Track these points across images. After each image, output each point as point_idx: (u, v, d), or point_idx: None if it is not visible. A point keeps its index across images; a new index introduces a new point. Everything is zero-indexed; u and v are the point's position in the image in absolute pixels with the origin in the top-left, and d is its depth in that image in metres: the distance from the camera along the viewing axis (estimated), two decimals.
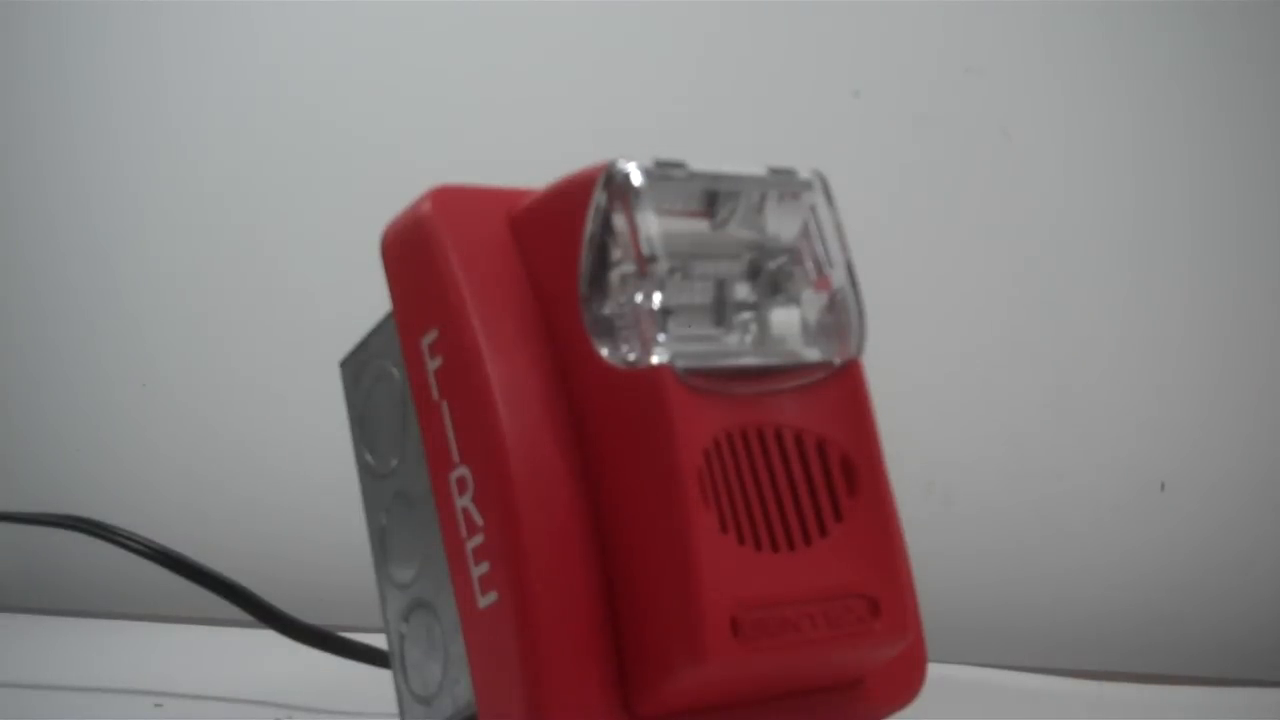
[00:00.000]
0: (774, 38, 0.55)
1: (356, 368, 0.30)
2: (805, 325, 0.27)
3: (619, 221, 0.26)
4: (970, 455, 0.52)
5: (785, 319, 0.27)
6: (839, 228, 0.27)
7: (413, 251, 0.27)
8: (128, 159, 0.68)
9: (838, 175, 0.28)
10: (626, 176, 0.26)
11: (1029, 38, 0.52)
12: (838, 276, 0.27)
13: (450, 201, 0.28)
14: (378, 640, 0.34)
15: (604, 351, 0.26)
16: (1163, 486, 0.50)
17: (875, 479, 0.27)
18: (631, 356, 0.25)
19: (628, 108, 0.57)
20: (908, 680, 0.29)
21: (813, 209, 0.27)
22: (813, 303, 0.27)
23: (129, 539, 0.43)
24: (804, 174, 0.27)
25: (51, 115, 0.70)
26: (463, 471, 0.26)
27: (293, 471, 0.63)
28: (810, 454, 0.26)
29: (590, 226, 0.26)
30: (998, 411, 0.52)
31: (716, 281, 0.27)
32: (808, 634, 0.25)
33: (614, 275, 0.26)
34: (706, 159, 0.27)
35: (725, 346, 0.27)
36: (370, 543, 0.30)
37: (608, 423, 0.26)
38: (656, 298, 0.25)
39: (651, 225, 0.26)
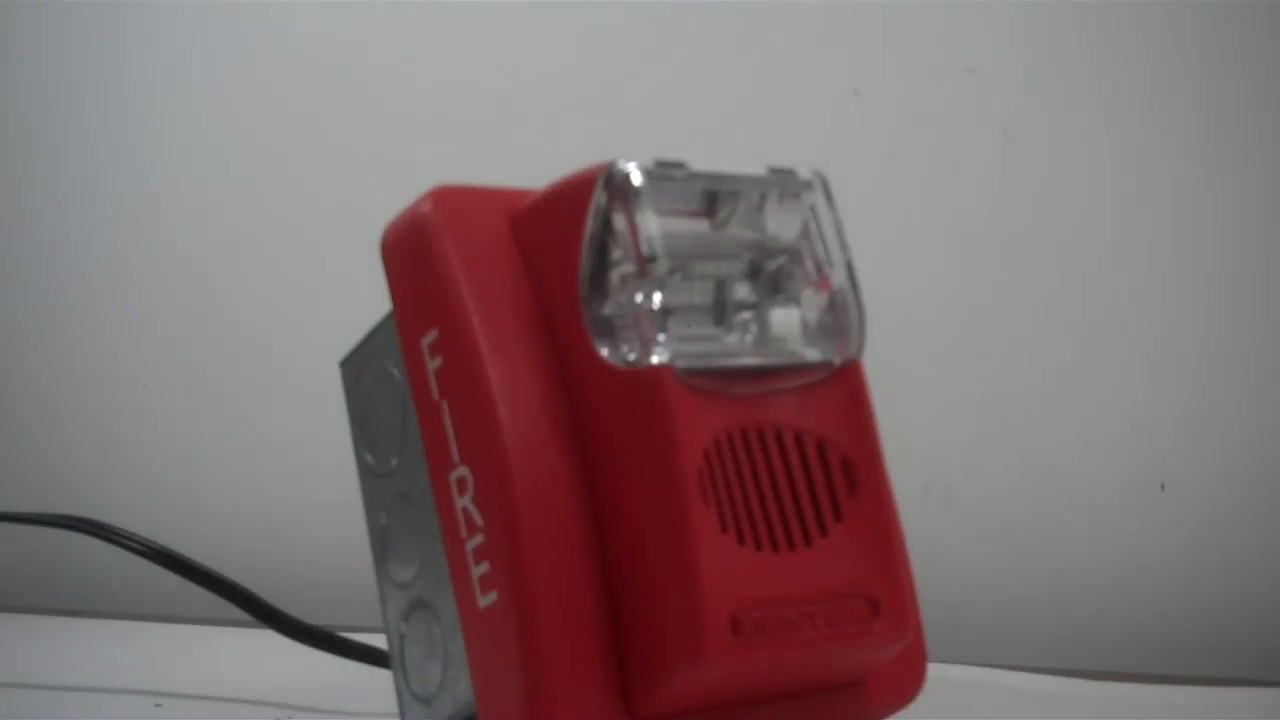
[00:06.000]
0: (774, 37, 0.55)
1: (356, 368, 0.30)
2: (805, 325, 0.27)
3: (619, 221, 0.26)
4: (970, 455, 0.52)
5: (785, 319, 0.27)
6: (839, 228, 0.27)
7: (412, 251, 0.27)
8: (129, 158, 0.68)
9: (838, 175, 0.28)
10: (626, 176, 0.26)
11: (1029, 38, 0.52)
12: (838, 276, 0.27)
13: (450, 201, 0.28)
14: (378, 640, 0.34)
15: (604, 351, 0.26)
16: (1163, 486, 0.50)
17: (875, 479, 0.27)
18: (631, 356, 0.25)
19: (628, 107, 0.57)
20: (908, 680, 0.29)
21: (813, 209, 0.27)
22: (813, 303, 0.27)
23: (129, 539, 0.43)
24: (804, 174, 0.27)
25: (54, 114, 0.69)
26: (463, 471, 0.26)
27: (293, 472, 0.63)
28: (810, 454, 0.26)
29: (590, 226, 0.26)
30: (997, 411, 0.52)
31: (716, 281, 0.27)
32: (808, 634, 0.25)
33: (614, 275, 0.26)
34: (706, 159, 0.27)
35: (725, 346, 0.27)
36: (370, 543, 0.30)
37: (608, 423, 0.26)
38: (656, 298, 0.25)
39: (651, 225, 0.26)
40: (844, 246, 0.27)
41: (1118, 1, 0.51)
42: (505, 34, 0.60)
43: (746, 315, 0.27)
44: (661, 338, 0.25)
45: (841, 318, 0.27)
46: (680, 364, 0.25)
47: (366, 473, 0.30)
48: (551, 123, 0.58)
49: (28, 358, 0.70)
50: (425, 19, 0.61)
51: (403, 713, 0.29)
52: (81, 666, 0.48)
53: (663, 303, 0.25)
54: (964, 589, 0.51)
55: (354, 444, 0.30)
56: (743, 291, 0.27)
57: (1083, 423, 0.51)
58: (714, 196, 0.27)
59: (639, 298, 0.25)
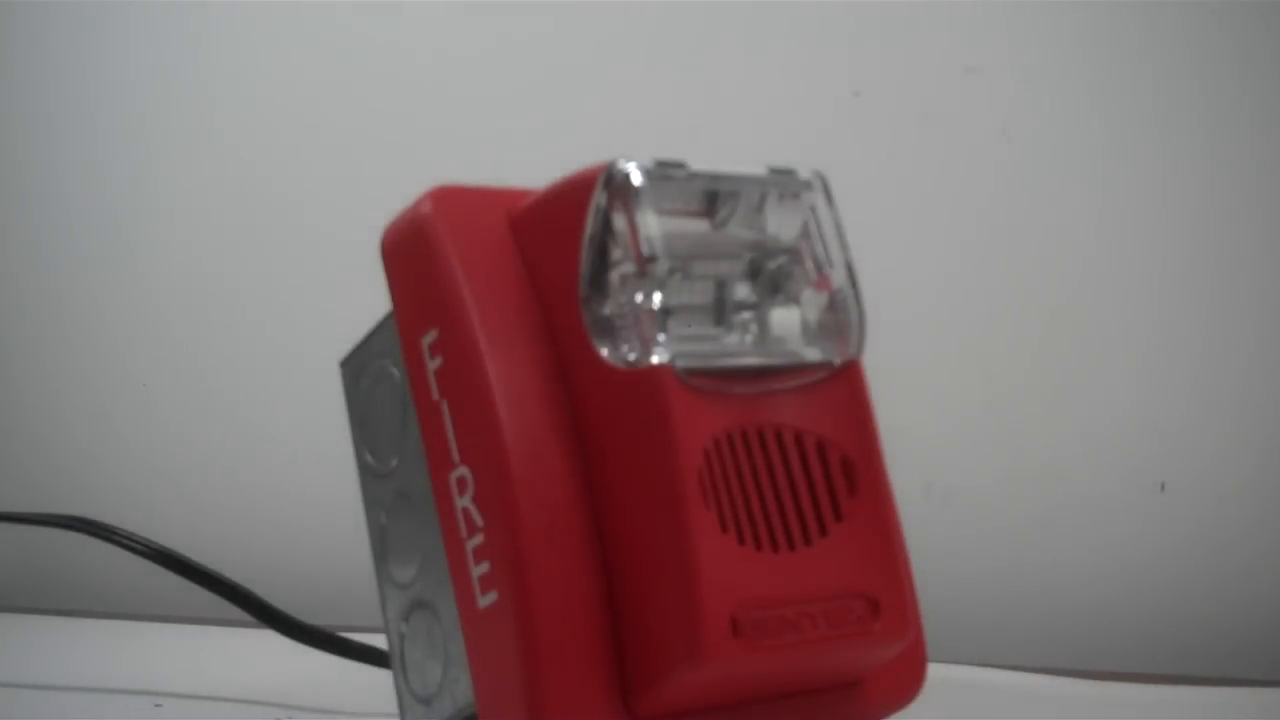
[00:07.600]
0: (774, 38, 0.55)
1: (356, 368, 0.30)
2: (805, 325, 0.27)
3: (619, 221, 0.26)
4: (970, 455, 0.52)
5: (785, 319, 0.27)
6: (839, 228, 0.27)
7: (413, 251, 0.27)
8: (128, 159, 0.68)
9: (838, 175, 0.28)
10: (626, 176, 0.26)
11: (1029, 38, 0.52)
12: (838, 276, 0.27)
13: (450, 201, 0.28)
14: (378, 640, 0.34)
15: (604, 351, 0.26)
16: (1163, 486, 0.50)
17: (875, 479, 0.27)
18: (631, 356, 0.25)
19: (628, 108, 0.57)
20: (908, 680, 0.29)
21: (813, 209, 0.27)
22: (813, 303, 0.27)
23: (129, 539, 0.43)
24: (804, 174, 0.27)
25: (53, 117, 0.69)
26: (463, 471, 0.26)
27: (293, 472, 0.63)
28: (810, 454, 0.26)
29: (590, 226, 0.26)
30: (997, 411, 0.52)
31: (716, 281, 0.27)
32: (808, 634, 0.25)
33: (614, 275, 0.26)
34: (706, 159, 0.27)
35: (725, 346, 0.27)
36: (370, 543, 0.30)
37: (608, 423, 0.26)
38: (656, 298, 0.25)
39: (651, 225, 0.26)
40: (844, 246, 0.27)
41: (1117, 2, 0.51)
42: (504, 34, 0.60)
43: (746, 315, 0.27)
44: (661, 338, 0.25)
45: (841, 318, 0.27)
46: (680, 364, 0.25)
47: (366, 473, 0.30)
48: (551, 123, 0.58)
49: (28, 358, 0.70)
50: (425, 19, 0.61)
51: (403, 713, 0.29)
52: (81, 666, 0.48)
53: (663, 303, 0.25)
54: (964, 589, 0.51)
55: (354, 444, 0.30)
56: (743, 291, 0.27)
57: (1082, 423, 0.51)
58: (714, 196, 0.27)
59: (639, 298, 0.25)
